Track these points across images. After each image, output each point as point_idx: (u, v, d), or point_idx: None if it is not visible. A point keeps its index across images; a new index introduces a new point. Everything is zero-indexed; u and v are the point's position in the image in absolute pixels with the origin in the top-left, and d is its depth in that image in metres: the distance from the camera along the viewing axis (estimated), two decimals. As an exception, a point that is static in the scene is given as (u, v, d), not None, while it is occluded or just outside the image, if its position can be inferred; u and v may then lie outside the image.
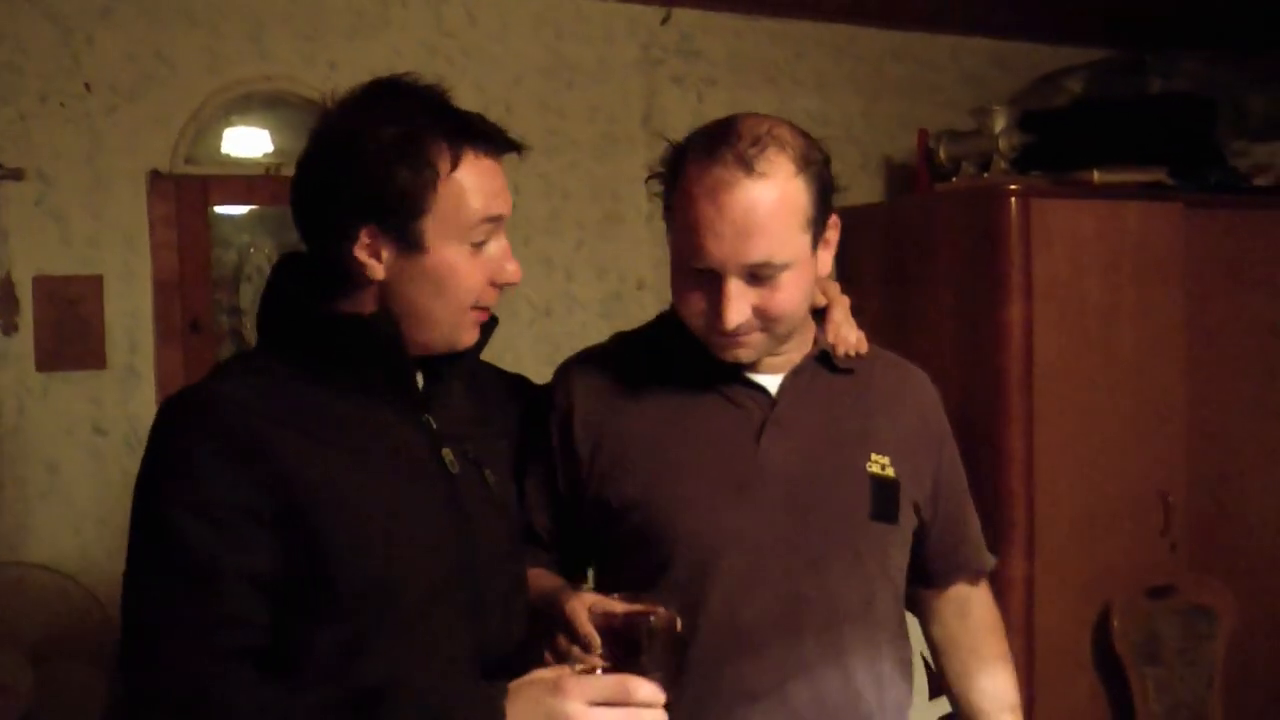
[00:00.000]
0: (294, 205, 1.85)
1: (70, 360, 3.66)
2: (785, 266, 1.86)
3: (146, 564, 1.69)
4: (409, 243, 1.76)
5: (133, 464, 3.62)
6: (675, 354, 2.03)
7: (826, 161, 1.94)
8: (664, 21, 4.45)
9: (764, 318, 1.90)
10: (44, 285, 3.63)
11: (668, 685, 1.59)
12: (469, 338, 1.88)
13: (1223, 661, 4.09)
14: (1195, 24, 4.78)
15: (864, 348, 2.11)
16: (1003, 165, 4.27)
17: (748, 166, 1.83)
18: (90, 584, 3.52)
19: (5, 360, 3.60)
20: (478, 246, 1.81)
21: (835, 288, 2.19)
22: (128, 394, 3.72)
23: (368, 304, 1.80)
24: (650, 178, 2.07)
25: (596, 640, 1.64)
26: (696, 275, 1.89)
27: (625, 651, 1.62)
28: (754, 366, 2.00)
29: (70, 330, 3.66)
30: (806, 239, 1.89)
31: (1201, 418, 4.22)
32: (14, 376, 3.61)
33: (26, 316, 3.62)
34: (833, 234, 1.97)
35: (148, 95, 3.74)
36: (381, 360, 1.81)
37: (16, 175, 3.57)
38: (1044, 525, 3.90)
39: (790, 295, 1.89)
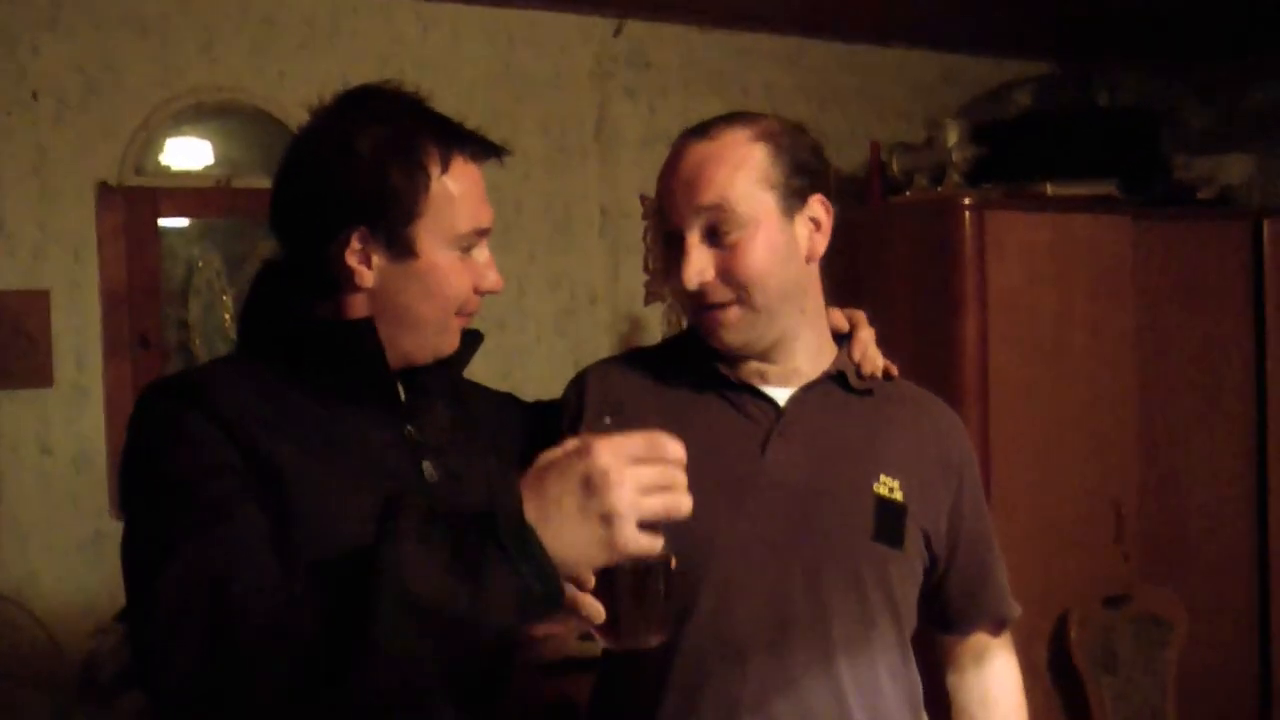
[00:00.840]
0: (276, 211, 1.85)
1: (15, 378, 3.67)
2: (743, 224, 1.91)
3: (152, 516, 1.65)
4: (401, 247, 1.78)
5: (81, 485, 3.67)
6: (687, 364, 2.07)
7: (814, 149, 2.02)
8: (616, 33, 4.55)
9: (733, 283, 1.93)
10: (-12, 300, 3.63)
11: (664, 626, 1.59)
12: (453, 343, 1.89)
13: (1177, 669, 4.23)
14: (1138, 37, 4.94)
15: (894, 371, 2.15)
16: (956, 178, 4.41)
17: (700, 133, 1.97)
18: (36, 609, 3.53)
19: (-51, 378, 3.60)
20: (465, 252, 1.83)
21: (862, 315, 2.23)
22: (76, 412, 3.73)
23: (353, 309, 1.82)
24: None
25: (590, 577, 1.55)
26: (672, 249, 1.98)
27: (621, 591, 1.56)
28: (765, 378, 2.04)
29: (15, 347, 3.66)
30: (768, 199, 1.92)
31: (1152, 427, 4.36)
32: (-43, 394, 3.61)
33: (-30, 332, 3.61)
34: (820, 214, 2.00)
35: (96, 105, 3.76)
36: (363, 367, 1.82)
37: (-39, 187, 3.58)
38: (999, 536, 3.88)
39: (755, 257, 1.93)
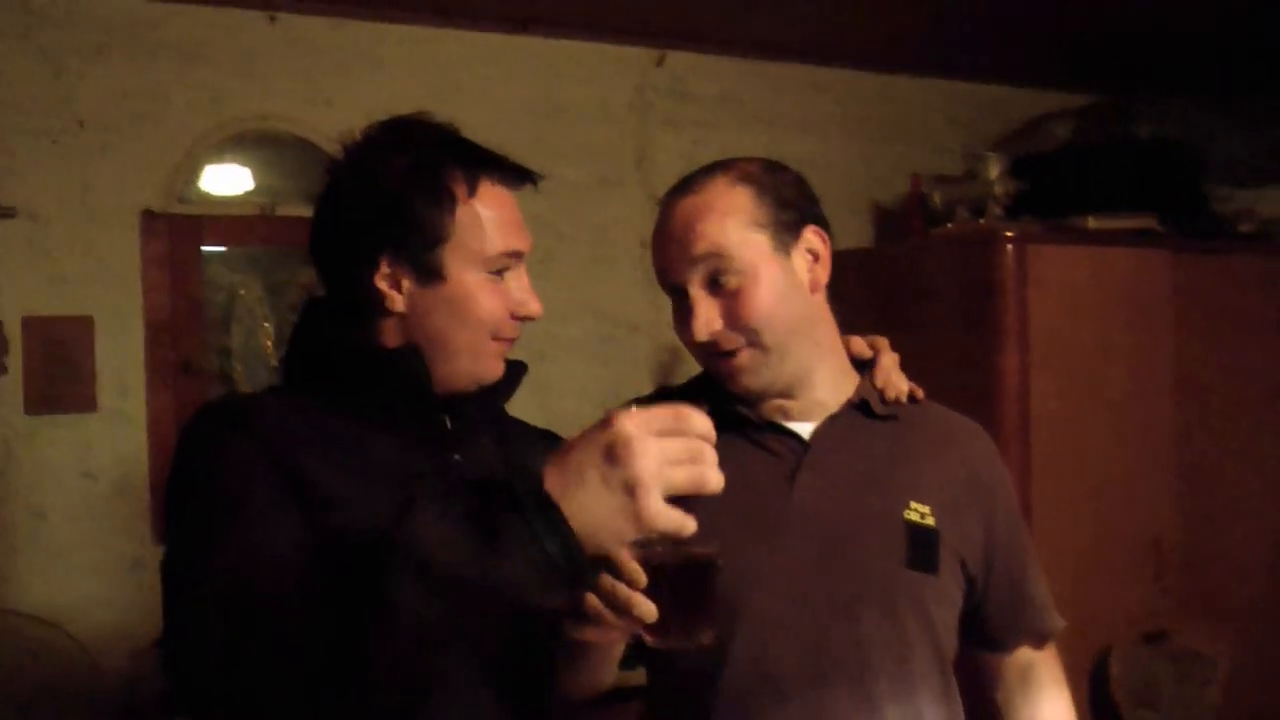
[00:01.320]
0: (313, 242, 1.88)
1: (59, 403, 3.70)
2: (741, 268, 1.92)
3: (190, 533, 1.68)
4: (428, 271, 1.79)
5: (123, 509, 3.67)
6: (706, 404, 2.04)
7: (798, 182, 2.03)
8: (658, 64, 4.58)
9: (741, 328, 1.92)
10: (34, 326, 3.66)
11: (714, 623, 1.58)
12: (493, 368, 1.89)
13: (1218, 707, 4.18)
14: (1178, 68, 4.93)
15: (919, 394, 2.14)
16: (997, 211, 4.38)
17: (684, 189, 1.99)
18: (78, 633, 3.54)
19: (-8, 402, 3.62)
20: (497, 276, 1.84)
21: (884, 341, 2.23)
22: (118, 438, 3.75)
23: (388, 335, 1.83)
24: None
25: (642, 576, 1.53)
26: (678, 304, 2.00)
27: (670, 590, 1.55)
28: (787, 414, 2.03)
29: (60, 372, 3.69)
30: (761, 239, 1.93)
31: (1192, 462, 4.32)
32: (2, 419, 3.64)
33: (15, 358, 3.64)
34: (817, 244, 2.00)
35: (141, 133, 3.79)
36: (406, 395, 1.83)
37: (7, 214, 3.62)
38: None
39: (759, 299, 1.93)
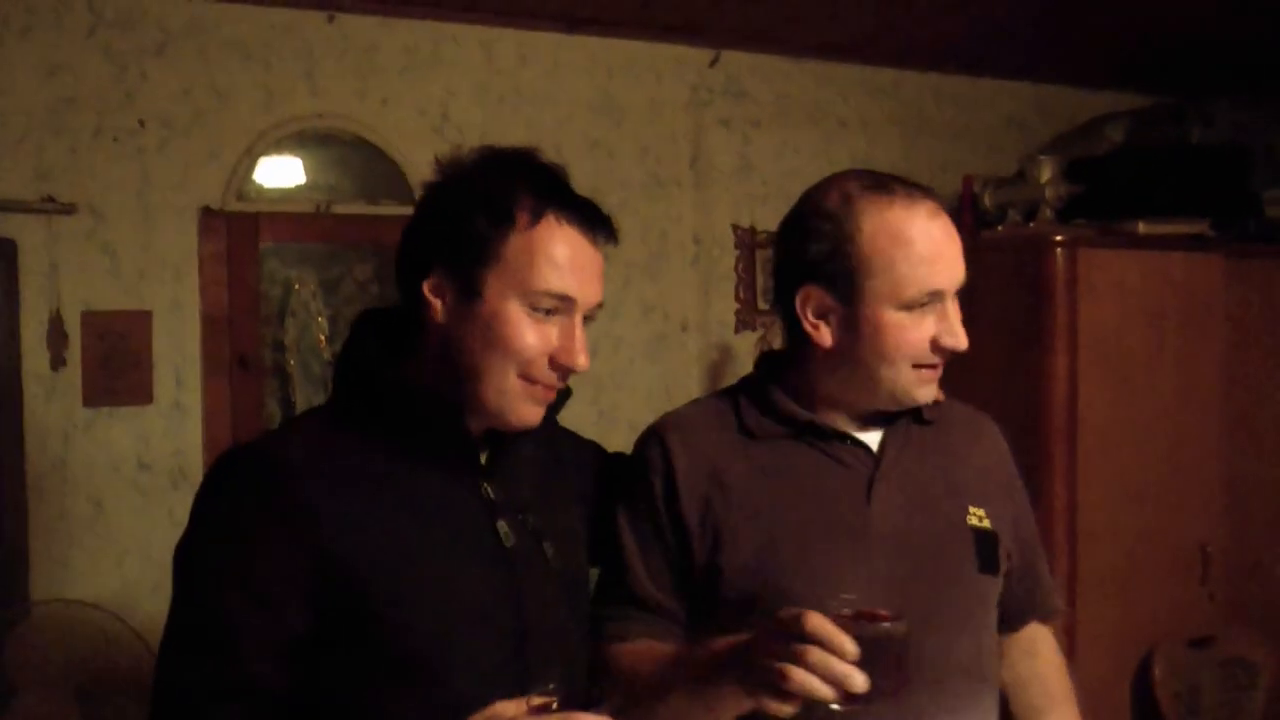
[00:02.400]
0: (397, 256, 1.90)
1: (117, 395, 3.73)
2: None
3: (177, 626, 1.72)
4: (468, 287, 1.78)
5: (178, 500, 3.72)
6: (765, 417, 2.06)
7: None
8: (712, 64, 4.58)
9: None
10: (92, 320, 3.69)
11: (899, 690, 1.62)
12: (522, 412, 1.84)
13: (1262, 713, 4.17)
14: (1232, 70, 4.89)
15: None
16: (1048, 214, 4.36)
17: (934, 203, 2.00)
18: (134, 620, 3.56)
19: (52, 395, 3.67)
20: (541, 314, 1.79)
21: None
22: (174, 430, 3.79)
23: (429, 345, 1.83)
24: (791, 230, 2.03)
25: (854, 647, 1.58)
26: (916, 315, 1.94)
27: (871, 658, 1.59)
28: (855, 424, 2.04)
29: (118, 365, 3.72)
30: None
31: (1240, 469, 4.30)
32: (61, 411, 3.67)
33: (75, 351, 3.68)
34: None
35: (200, 131, 3.82)
36: (440, 426, 1.82)
37: (68, 210, 3.64)
38: (1086, 574, 3.97)
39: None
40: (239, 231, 3.86)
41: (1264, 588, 4.39)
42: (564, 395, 1.92)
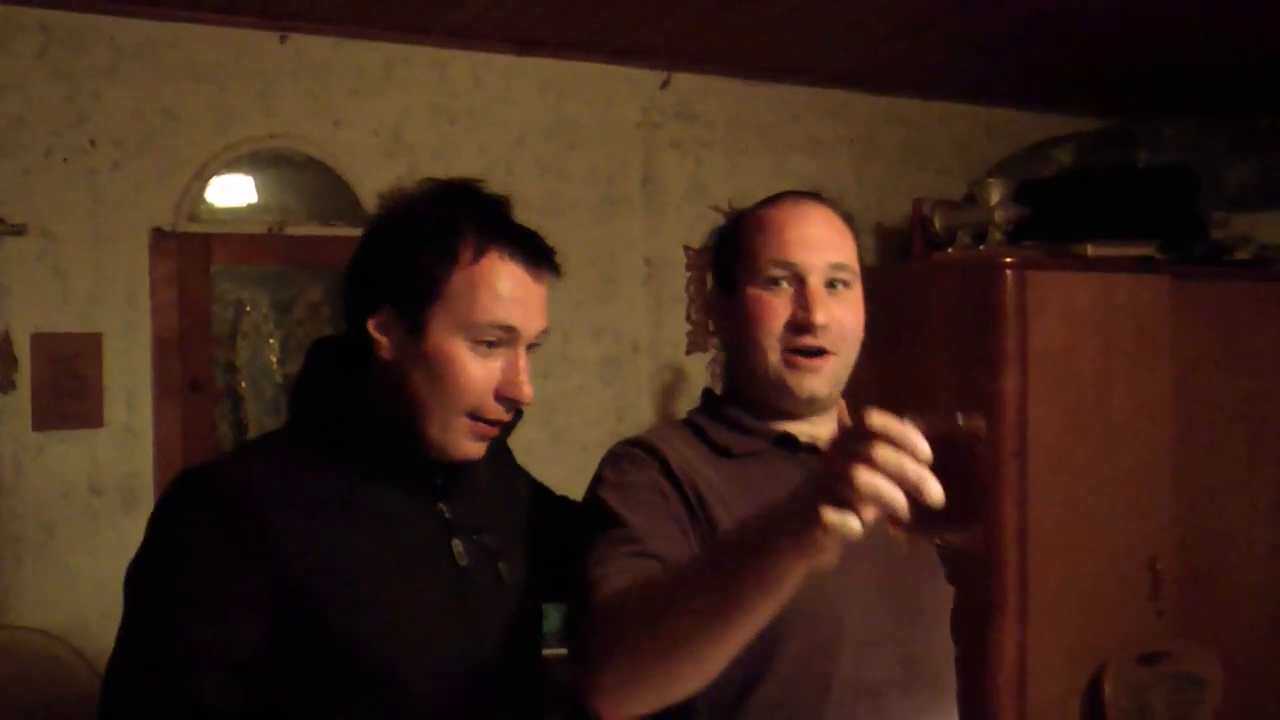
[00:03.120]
0: (343, 290, 1.91)
1: (68, 419, 3.70)
2: (852, 283, 2.05)
3: (130, 645, 1.72)
4: (413, 324, 1.80)
5: (129, 525, 3.69)
6: (736, 432, 2.10)
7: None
8: (664, 85, 4.60)
9: (836, 334, 2.02)
10: (43, 342, 3.67)
11: (986, 519, 1.38)
12: (465, 447, 1.87)
13: (1211, 729, 4.23)
14: (1179, 92, 4.98)
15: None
16: (998, 236, 4.42)
17: (811, 197, 2.11)
18: (84, 648, 3.54)
19: (1, 418, 3.64)
20: (483, 348, 1.81)
21: None
22: (126, 453, 3.76)
23: (377, 382, 1.84)
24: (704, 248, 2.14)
25: (927, 447, 1.30)
26: (774, 294, 2.04)
27: (943, 469, 1.30)
28: (814, 437, 2.08)
29: (68, 388, 3.70)
30: (857, 270, 2.08)
31: (1189, 486, 4.37)
32: (10, 435, 3.65)
33: (24, 374, 3.66)
34: None
35: (152, 151, 3.81)
36: (396, 448, 1.84)
37: (18, 231, 3.63)
38: (1037, 592, 4.01)
39: (860, 312, 2.06)
40: (190, 253, 3.85)
41: (1212, 604, 4.46)
42: (515, 420, 1.94)
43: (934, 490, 1.30)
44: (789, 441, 2.07)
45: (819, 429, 2.10)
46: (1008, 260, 4.05)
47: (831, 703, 1.95)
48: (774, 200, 2.11)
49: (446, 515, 1.89)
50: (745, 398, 2.11)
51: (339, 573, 1.74)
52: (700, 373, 4.58)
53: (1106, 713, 4.08)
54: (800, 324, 2.00)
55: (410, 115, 4.17)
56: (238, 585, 1.69)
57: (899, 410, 1.34)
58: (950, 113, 5.19)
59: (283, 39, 3.95)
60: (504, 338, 1.82)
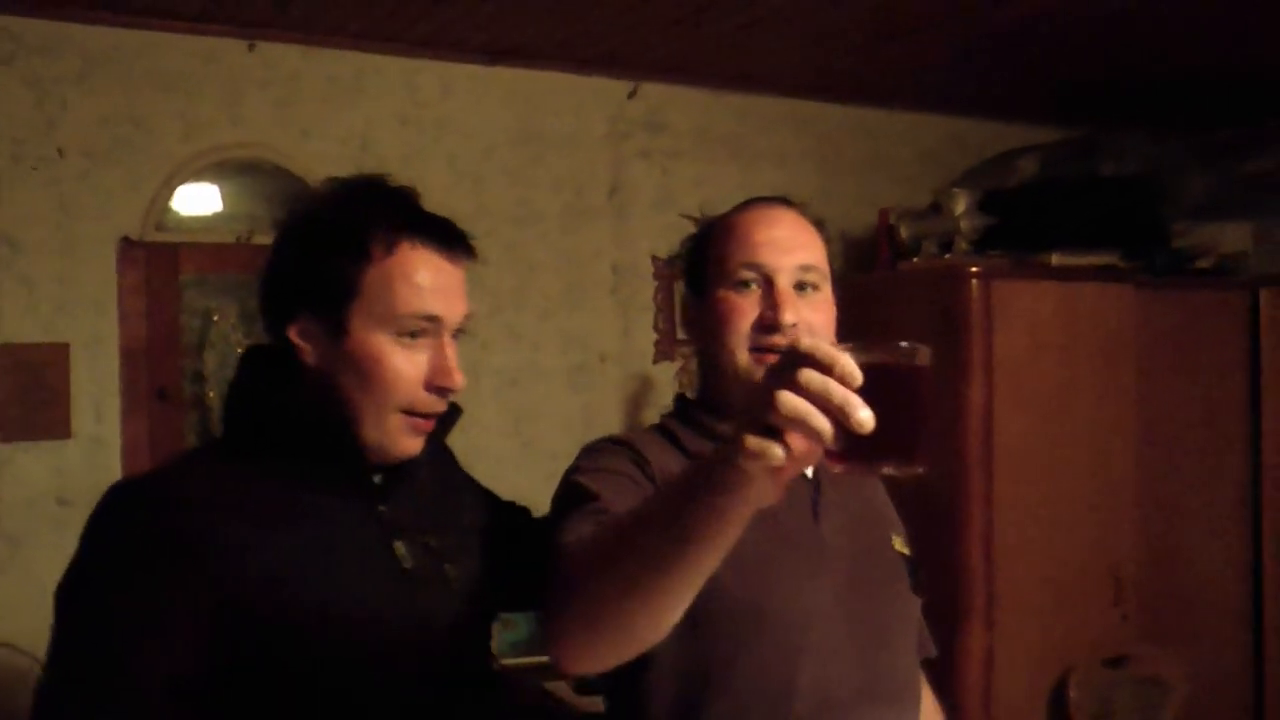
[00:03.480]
0: (259, 298, 1.88)
1: (34, 429, 3.70)
2: (821, 286, 2.06)
3: (64, 668, 1.68)
4: (333, 327, 1.78)
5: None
6: (709, 440, 2.09)
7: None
8: (631, 95, 4.63)
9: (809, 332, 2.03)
10: (9, 353, 3.67)
11: (929, 448, 1.28)
12: (403, 444, 1.86)
13: (1173, 730, 4.29)
14: (1141, 104, 5.04)
15: None
16: (964, 246, 4.46)
17: (778, 201, 2.15)
18: (51, 659, 3.51)
19: (-32, 429, 3.62)
20: (408, 340, 1.81)
21: None
22: (93, 464, 3.75)
23: (308, 390, 1.81)
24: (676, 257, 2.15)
25: (857, 371, 1.21)
26: (741, 296, 2.04)
27: (880, 396, 1.21)
28: None
29: (35, 398, 3.69)
30: (828, 276, 2.10)
31: (1152, 493, 4.43)
32: (-23, 446, 3.63)
33: (-9, 385, 3.65)
34: None
35: (121, 160, 3.82)
36: (332, 451, 1.82)
37: (-15, 240, 3.61)
38: (1003, 598, 4.05)
39: (830, 313, 2.06)
40: (158, 262, 3.85)
41: (1175, 608, 4.52)
42: (454, 415, 1.94)
43: (862, 416, 1.21)
44: None
45: None
46: (973, 269, 4.08)
47: (794, 716, 1.95)
48: (743, 206, 2.14)
49: (389, 518, 1.87)
50: (717, 402, 2.10)
51: (281, 582, 1.71)
52: (668, 382, 4.61)
53: (1071, 715, 4.12)
54: (768, 323, 2.00)
55: (379, 124, 4.18)
56: (177, 600, 1.65)
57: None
58: (916, 123, 5.24)
59: (251, 47, 3.96)
60: (428, 328, 1.81)
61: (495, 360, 4.32)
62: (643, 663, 1.81)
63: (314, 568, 1.75)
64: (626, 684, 1.97)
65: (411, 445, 1.85)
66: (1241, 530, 4.67)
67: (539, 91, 4.47)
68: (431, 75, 4.28)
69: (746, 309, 2.03)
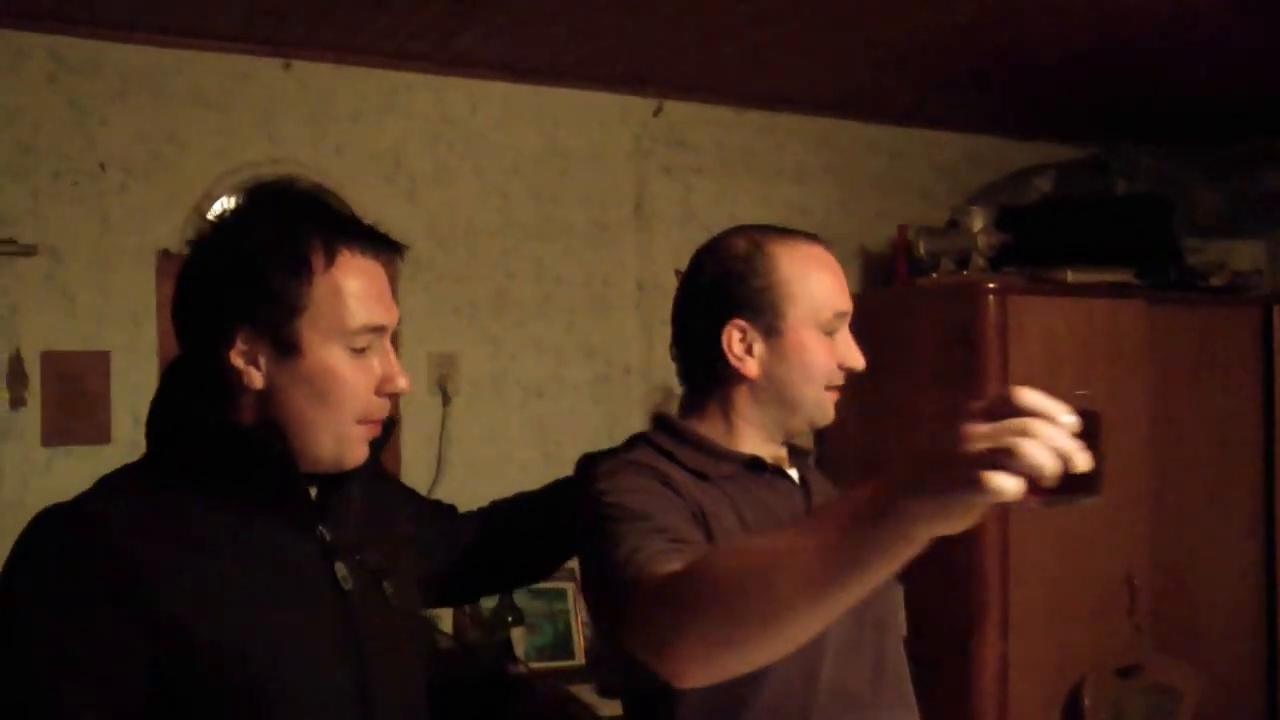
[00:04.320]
0: (173, 312, 1.82)
1: (76, 435, 3.80)
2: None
3: None
4: (284, 344, 1.73)
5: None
6: (710, 457, 2.14)
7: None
8: (656, 113, 4.72)
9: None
10: (52, 360, 3.78)
11: (1101, 481, 1.41)
12: (357, 454, 1.84)
13: (1187, 739, 4.36)
14: (1155, 121, 5.10)
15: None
16: (980, 262, 4.53)
17: (823, 242, 2.24)
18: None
19: (10, 435, 3.75)
20: (359, 353, 1.79)
21: None
22: (132, 469, 3.82)
23: (248, 413, 1.76)
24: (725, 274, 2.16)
25: (1074, 421, 1.37)
26: (828, 337, 2.15)
27: (1082, 435, 1.37)
28: (780, 459, 2.21)
29: (76, 406, 3.80)
30: None
31: (1165, 505, 4.50)
32: (19, 451, 3.76)
33: (34, 392, 3.76)
34: None
35: (158, 175, 3.94)
36: (269, 473, 1.76)
37: (28, 251, 3.74)
38: (1018, 607, 4.13)
39: None
40: (196, 274, 3.92)
41: (1186, 617, 4.61)
42: (393, 423, 1.93)
43: (1081, 460, 1.34)
44: (758, 464, 2.15)
45: (778, 451, 2.21)
46: (990, 285, 4.18)
47: (817, 709, 2.03)
48: (804, 238, 2.19)
49: (327, 538, 1.84)
50: (722, 425, 2.16)
51: (216, 609, 1.66)
52: (691, 395, 4.65)
53: None
54: (848, 367, 2.15)
55: (409, 141, 4.29)
56: (109, 633, 1.61)
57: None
58: (933, 141, 5.30)
59: (286, 66, 4.08)
60: (376, 337, 1.80)
61: (520, 372, 4.42)
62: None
63: (251, 596, 1.71)
64: (655, 695, 2.00)
65: (364, 453, 1.84)
66: (1254, 543, 4.82)
67: (565, 109, 4.56)
68: (460, 93, 4.38)
69: (833, 352, 2.13)
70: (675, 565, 1.73)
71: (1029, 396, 1.35)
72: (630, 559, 1.79)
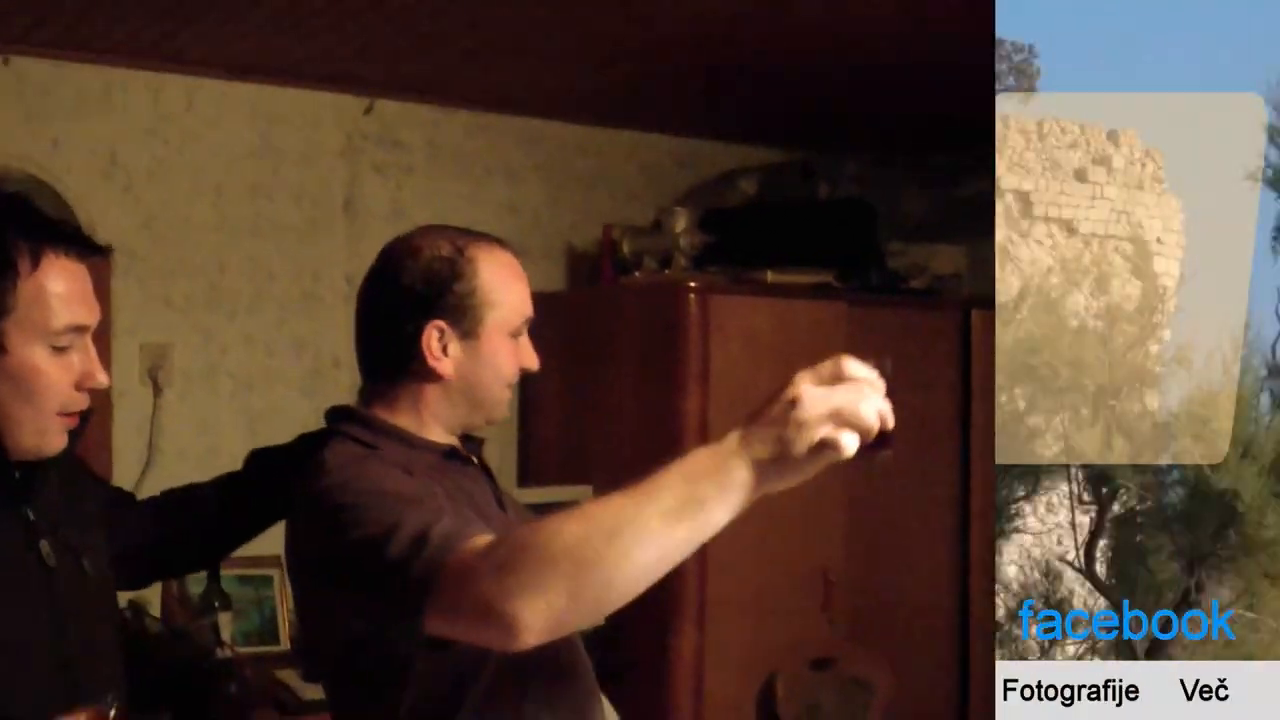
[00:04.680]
0: None
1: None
2: None
3: None
4: None
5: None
6: (410, 448, 2.62)
7: None
8: (367, 112, 5.87)
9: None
10: None
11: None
12: (56, 443, 2.19)
13: (880, 729, 5.52)
14: (860, 128, 6.29)
15: None
16: (683, 262, 5.70)
17: (505, 245, 2.79)
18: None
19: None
20: (60, 350, 2.13)
21: None
22: None
23: None
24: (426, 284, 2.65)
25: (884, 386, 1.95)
26: (511, 342, 2.69)
27: None
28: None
29: None
30: None
31: (861, 502, 5.58)
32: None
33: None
34: None
35: None
36: None
37: None
38: (714, 601, 5.17)
39: None
40: None
41: (880, 611, 5.71)
42: (87, 417, 2.32)
43: (892, 419, 2.02)
44: (454, 453, 2.66)
45: (456, 441, 2.71)
46: (691, 284, 5.24)
47: (534, 681, 2.55)
48: (496, 243, 2.71)
49: (31, 518, 2.20)
50: (412, 417, 2.65)
51: None
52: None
53: (779, 717, 5.29)
54: (529, 368, 2.72)
55: (126, 137, 5.32)
56: None
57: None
58: (641, 142, 6.51)
59: (5, 60, 5.04)
60: (79, 336, 2.18)
61: (231, 365, 5.53)
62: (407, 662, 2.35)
63: None
64: (383, 677, 2.42)
65: (63, 442, 2.21)
66: (950, 541, 5.96)
67: (279, 106, 5.64)
68: (178, 90, 5.43)
69: (514, 353, 2.67)
70: (487, 537, 2.13)
71: (854, 365, 2.04)
72: (423, 538, 2.14)
